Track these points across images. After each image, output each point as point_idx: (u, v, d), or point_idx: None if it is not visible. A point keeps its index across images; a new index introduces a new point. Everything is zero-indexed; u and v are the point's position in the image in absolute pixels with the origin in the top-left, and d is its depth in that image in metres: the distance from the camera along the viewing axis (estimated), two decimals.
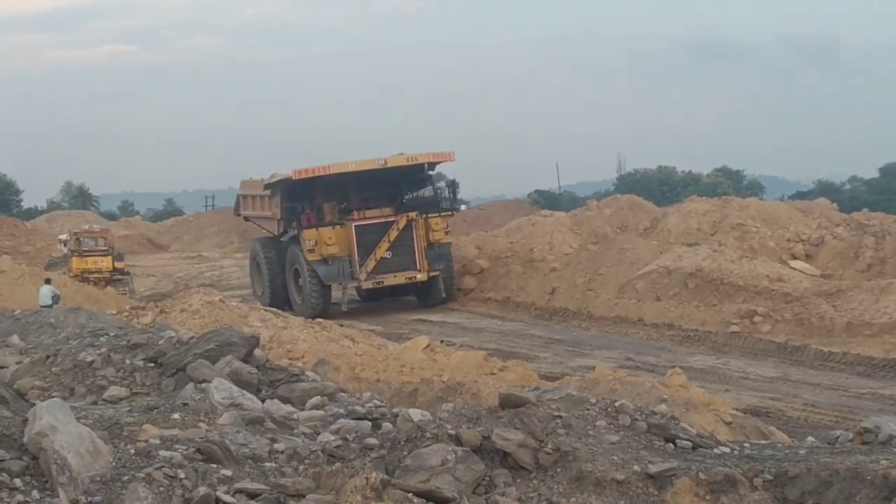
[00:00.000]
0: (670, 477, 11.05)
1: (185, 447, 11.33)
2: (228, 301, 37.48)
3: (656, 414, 12.80)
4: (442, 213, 49.74)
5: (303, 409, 13.66)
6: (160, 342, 16.20)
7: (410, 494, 10.37)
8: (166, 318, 32.04)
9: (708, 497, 10.84)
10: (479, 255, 54.51)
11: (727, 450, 12.20)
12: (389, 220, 48.62)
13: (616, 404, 12.82)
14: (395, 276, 48.55)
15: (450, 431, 11.69)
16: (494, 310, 49.53)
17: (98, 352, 16.13)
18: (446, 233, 49.71)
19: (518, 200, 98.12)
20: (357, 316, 47.66)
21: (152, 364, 15.76)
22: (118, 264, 56.28)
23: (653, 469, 11.17)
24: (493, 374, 24.93)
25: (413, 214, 48.42)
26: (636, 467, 11.19)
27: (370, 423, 12.87)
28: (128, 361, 15.80)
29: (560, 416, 12.14)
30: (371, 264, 47.98)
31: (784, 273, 43.86)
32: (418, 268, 48.46)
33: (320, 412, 13.46)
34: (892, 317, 35.90)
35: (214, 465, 11.08)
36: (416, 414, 12.72)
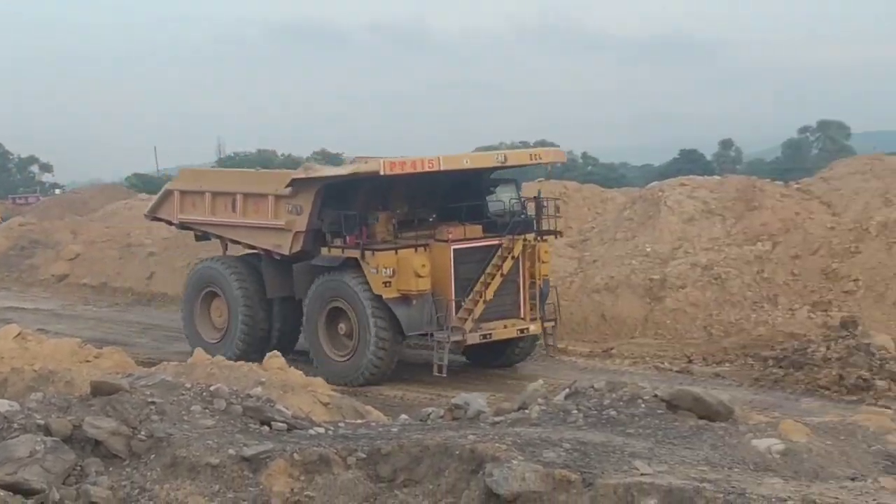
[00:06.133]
0: (265, 459, 11.08)
1: None
2: None
3: (252, 397, 12.82)
4: (544, 237, 33.21)
5: None
6: None
7: None
8: None
9: (302, 477, 10.94)
10: (74, 240, 53.06)
11: (322, 430, 12.36)
12: (493, 243, 32.15)
13: (211, 388, 12.77)
14: (505, 328, 32.08)
15: (38, 421, 11.34)
16: (90, 295, 48.32)
17: None
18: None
19: (116, 184, 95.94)
20: None
21: None
22: None
23: (248, 452, 11.18)
24: (88, 361, 24.24)
25: (530, 238, 32.42)
26: (231, 451, 11.16)
27: None
28: None
29: (154, 403, 11.97)
30: (479, 308, 31.62)
31: None
32: (522, 314, 32.35)
33: None
34: None
35: None
36: (3, 405, 12.24)
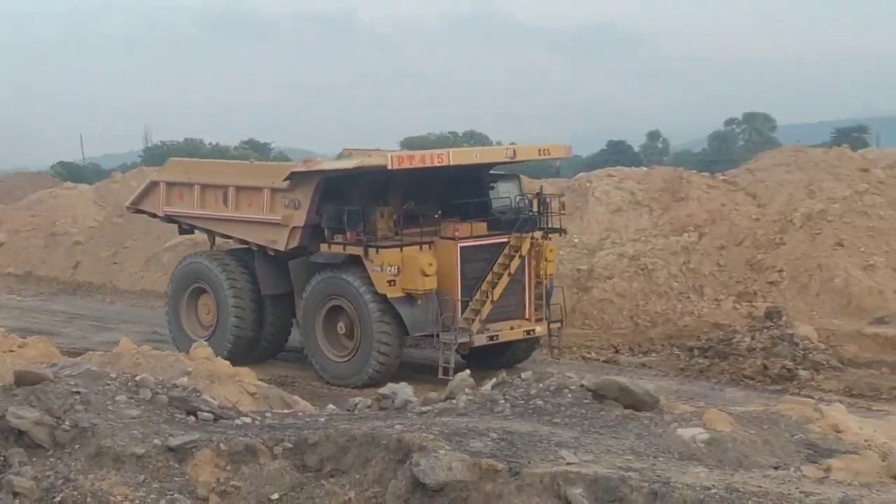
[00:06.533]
0: (191, 449, 11.03)
1: None
2: None
3: (178, 387, 12.75)
4: (549, 235, 31.98)
5: None
6: None
7: None
8: None
9: (228, 467, 10.89)
10: None
11: (249, 420, 12.31)
12: (500, 241, 31.03)
13: (137, 378, 12.68)
14: (511, 329, 31.06)
15: None
16: (15, 284, 47.79)
17: None
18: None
19: (41, 173, 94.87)
20: None
21: None
22: None
23: (173, 442, 11.12)
24: (11, 351, 23.96)
25: (538, 236, 31.35)
26: (157, 441, 11.10)
27: None
28: None
29: (79, 393, 11.87)
30: (486, 308, 30.60)
31: None
32: (527, 315, 31.48)
33: None
34: None
35: None
36: None
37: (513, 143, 36.05)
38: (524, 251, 30.67)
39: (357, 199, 30.92)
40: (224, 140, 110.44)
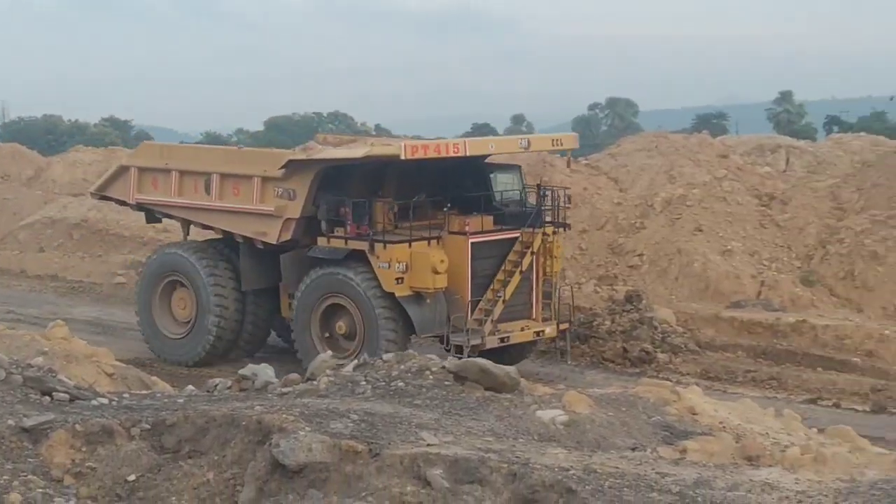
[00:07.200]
0: (46, 430, 10.80)
1: None
2: None
3: (33, 367, 12.49)
4: (556, 229, 30.35)
5: None
6: None
7: None
8: None
9: (84, 448, 10.70)
10: None
11: (106, 401, 12.11)
12: (510, 236, 29.57)
13: None
14: (522, 330, 29.47)
15: None
16: None
17: None
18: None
19: None
20: None
21: None
22: None
23: (28, 423, 10.88)
24: None
25: (549, 231, 29.77)
26: (10, 422, 10.85)
27: None
28: None
29: None
30: (498, 308, 28.87)
31: (169, 224, 43.98)
32: (534, 315, 29.94)
33: None
34: None
35: None
36: None
37: (517, 136, 35.15)
38: (536, 247, 29.31)
39: (351, 191, 29.31)
40: (84, 117, 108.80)
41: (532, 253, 29.21)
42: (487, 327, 28.37)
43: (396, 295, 28.19)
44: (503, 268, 29.05)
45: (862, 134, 48.47)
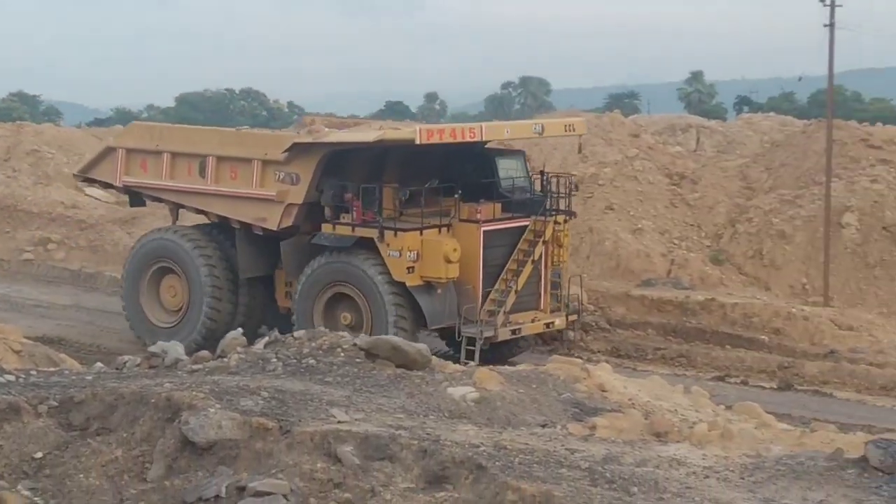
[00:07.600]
0: None
1: None
2: None
3: None
4: (565, 218, 29.84)
5: None
6: None
7: None
8: None
9: None
10: None
11: (12, 378, 11.95)
12: (521, 225, 28.84)
13: None
14: (532, 322, 28.82)
15: None
16: None
17: None
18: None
19: None
20: None
21: None
22: None
23: None
24: None
25: (561, 219, 29.29)
26: None
27: None
28: None
29: None
30: (511, 299, 28.11)
31: (79, 200, 43.63)
32: (542, 306, 29.28)
33: None
34: None
35: None
36: None
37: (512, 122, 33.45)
38: (548, 236, 28.66)
39: (354, 176, 28.36)
40: None
41: (544, 242, 28.59)
42: (500, 319, 27.74)
43: (407, 284, 27.31)
44: (514, 257, 28.41)
45: (771, 114, 49.21)
